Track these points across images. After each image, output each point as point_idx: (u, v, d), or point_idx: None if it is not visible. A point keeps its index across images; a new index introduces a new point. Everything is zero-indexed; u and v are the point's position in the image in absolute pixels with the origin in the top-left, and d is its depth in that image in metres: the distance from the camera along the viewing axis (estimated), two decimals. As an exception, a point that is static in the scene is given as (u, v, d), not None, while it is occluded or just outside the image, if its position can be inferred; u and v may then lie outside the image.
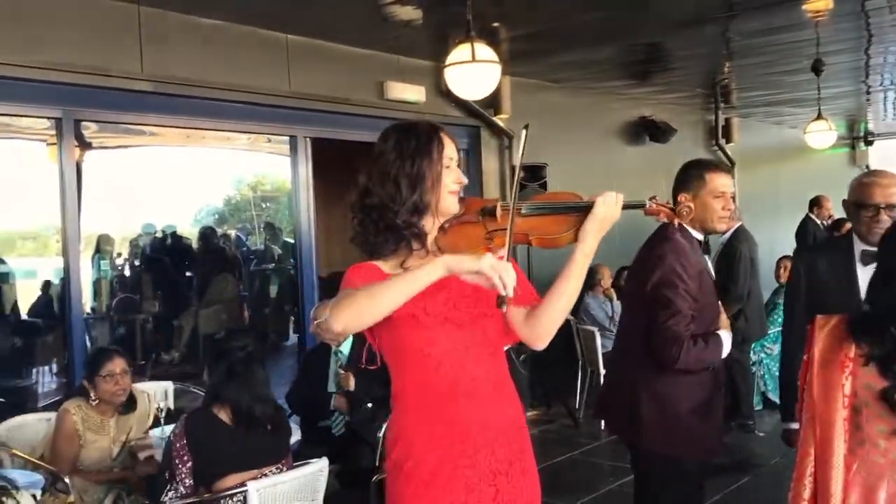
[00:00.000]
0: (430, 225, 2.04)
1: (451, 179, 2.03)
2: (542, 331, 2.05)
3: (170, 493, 3.09)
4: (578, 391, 7.16)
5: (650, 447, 2.97)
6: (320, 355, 4.64)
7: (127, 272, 8.98)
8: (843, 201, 3.12)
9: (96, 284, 8.37)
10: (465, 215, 2.07)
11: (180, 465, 3.12)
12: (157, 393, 4.47)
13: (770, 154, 12.07)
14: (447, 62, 4.60)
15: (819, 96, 7.85)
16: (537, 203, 2.08)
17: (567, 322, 7.33)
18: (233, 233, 10.56)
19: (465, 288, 1.96)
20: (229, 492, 3.09)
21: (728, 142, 10.59)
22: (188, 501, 3.06)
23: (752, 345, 6.55)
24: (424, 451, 1.99)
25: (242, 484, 3.09)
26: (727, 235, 6.58)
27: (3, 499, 2.12)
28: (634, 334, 3.01)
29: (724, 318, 3.06)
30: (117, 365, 3.90)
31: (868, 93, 10.18)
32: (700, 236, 3.07)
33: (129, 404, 4.00)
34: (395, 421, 2.06)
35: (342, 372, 4.39)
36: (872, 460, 2.05)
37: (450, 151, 2.05)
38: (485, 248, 1.98)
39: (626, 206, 2.03)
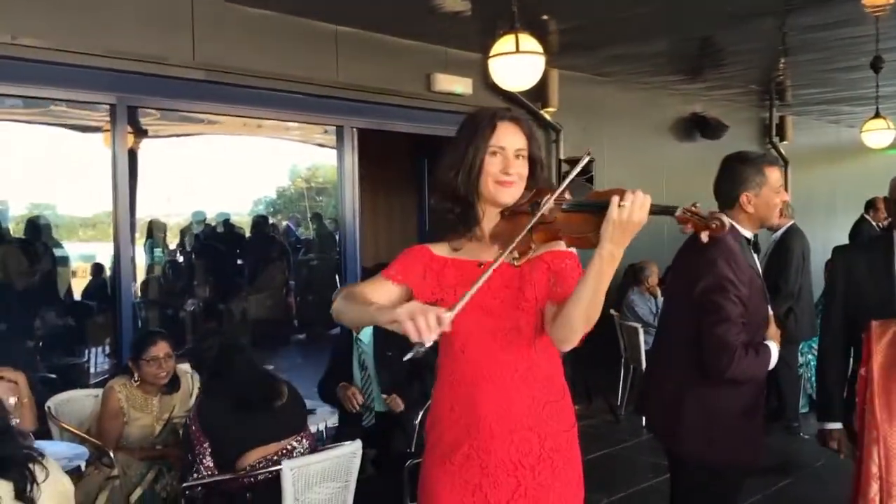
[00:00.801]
0: (482, 212, 2.04)
1: (495, 168, 2.00)
2: (560, 334, 1.93)
3: (194, 475, 3.19)
4: (621, 387, 7.11)
5: (692, 453, 2.90)
6: (345, 344, 4.65)
7: (179, 258, 9.17)
8: (884, 199, 3.06)
9: (148, 269, 8.58)
10: (522, 205, 2.02)
11: (198, 447, 3.23)
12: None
13: (826, 154, 11.80)
14: (491, 53, 4.61)
15: (877, 94, 7.64)
16: (580, 199, 1.94)
17: (610, 317, 7.31)
18: (283, 223, 10.71)
19: (509, 279, 1.99)
20: (262, 470, 3.16)
21: (782, 140, 10.39)
22: (219, 478, 3.13)
23: (801, 345, 6.42)
24: (446, 428, 2.05)
25: (276, 462, 3.16)
26: (779, 233, 6.50)
27: (31, 465, 2.24)
28: (680, 338, 2.91)
29: (773, 329, 2.94)
30: (161, 349, 3.99)
31: (934, 91, 9.87)
32: (750, 234, 2.98)
33: (173, 384, 4.09)
34: (433, 395, 2.13)
35: (386, 396, 4.39)
36: None
37: (502, 139, 2.01)
38: (527, 240, 1.93)
39: (653, 211, 1.80)
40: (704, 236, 1.78)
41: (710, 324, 2.75)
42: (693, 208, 1.77)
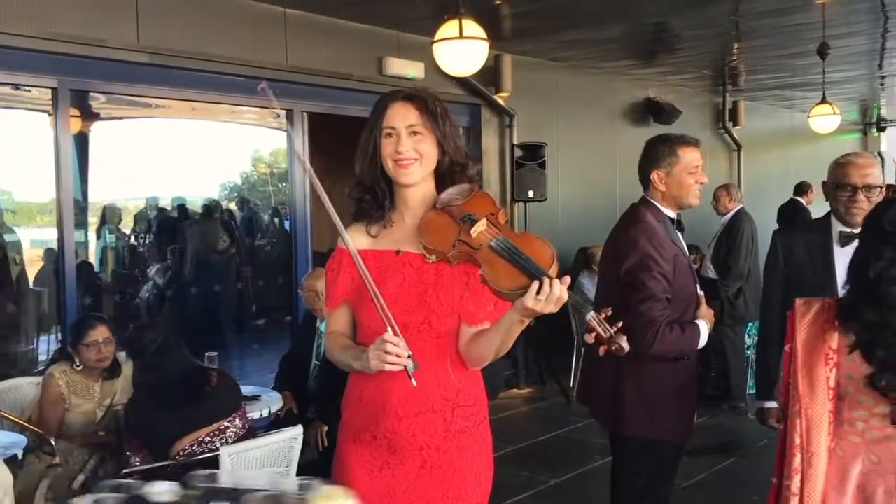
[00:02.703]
0: (399, 196, 2.06)
1: (390, 149, 2.02)
2: (470, 360, 2.05)
3: (129, 468, 3.22)
4: (573, 370, 7.19)
5: (632, 433, 2.98)
6: (310, 327, 4.68)
7: (133, 242, 9.07)
8: (823, 183, 3.13)
9: (101, 254, 8.47)
10: (455, 208, 2.00)
11: (129, 447, 3.29)
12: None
13: (779, 138, 11.98)
14: (435, 38, 4.61)
15: (824, 80, 7.78)
16: (512, 244, 1.90)
17: (563, 301, 7.36)
18: (234, 207, 10.60)
19: (424, 274, 2.02)
20: (201, 456, 3.16)
21: (735, 125, 10.52)
22: (160, 464, 3.13)
23: (748, 327, 6.55)
24: (356, 410, 2.10)
25: (210, 443, 3.18)
26: (728, 216, 6.64)
27: None
28: None
29: (704, 309, 3.00)
30: (100, 333, 3.96)
31: (882, 78, 10.04)
32: (673, 214, 3.04)
33: (114, 369, 4.07)
34: (348, 377, 2.18)
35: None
36: (849, 440, 2.11)
37: (393, 119, 2.02)
38: (447, 252, 1.95)
39: (568, 305, 1.86)
40: (601, 350, 1.87)
41: (635, 301, 2.81)
42: (602, 319, 1.85)
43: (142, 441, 3.25)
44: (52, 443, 3.83)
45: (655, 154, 3.00)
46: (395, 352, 1.86)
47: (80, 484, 3.85)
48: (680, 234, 3.07)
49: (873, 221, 2.14)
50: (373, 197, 2.06)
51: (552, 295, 1.79)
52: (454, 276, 2.01)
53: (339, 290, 2.10)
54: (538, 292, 1.79)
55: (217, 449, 3.10)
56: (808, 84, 9.74)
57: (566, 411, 6.69)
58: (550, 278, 1.80)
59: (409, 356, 1.87)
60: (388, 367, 1.87)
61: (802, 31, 7.11)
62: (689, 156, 2.98)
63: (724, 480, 5.04)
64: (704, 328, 2.95)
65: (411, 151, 2.01)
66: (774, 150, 11.80)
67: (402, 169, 2.02)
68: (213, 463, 3.08)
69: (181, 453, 3.16)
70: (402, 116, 2.02)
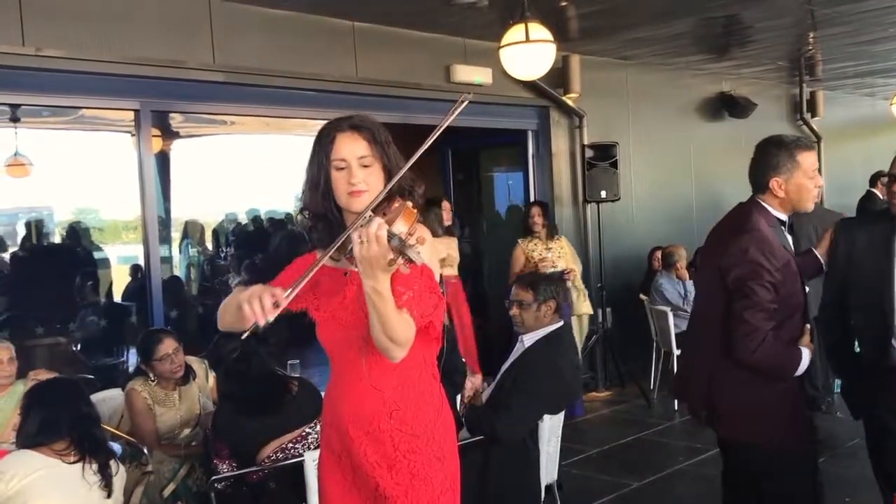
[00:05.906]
0: (347, 220, 2.05)
1: (342, 182, 2.01)
2: (378, 349, 1.97)
3: (218, 476, 3.34)
4: (652, 371, 7.09)
5: (729, 434, 2.95)
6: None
7: (213, 256, 9.33)
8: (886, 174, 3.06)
9: (185, 268, 8.74)
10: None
11: (216, 456, 3.40)
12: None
13: (860, 128, 11.57)
14: (502, 43, 4.62)
15: (907, 65, 7.50)
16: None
17: (640, 302, 7.28)
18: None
19: (361, 290, 1.99)
20: (285, 462, 3.24)
21: (813, 116, 10.22)
22: (245, 471, 3.22)
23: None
24: (326, 427, 2.20)
25: (292, 449, 3.25)
26: None
27: (110, 462, 2.90)
28: (713, 321, 2.91)
29: (807, 339, 2.89)
30: (169, 346, 4.11)
31: (974, 59, 9.60)
32: (785, 217, 2.93)
33: (187, 375, 4.23)
34: None
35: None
36: None
37: (342, 152, 2.01)
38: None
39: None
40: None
41: (741, 308, 2.77)
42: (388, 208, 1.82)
43: (229, 449, 3.35)
44: (146, 451, 3.98)
45: (774, 160, 2.87)
46: (267, 306, 1.82)
47: (170, 492, 3.99)
48: (790, 238, 2.97)
49: None
50: (325, 224, 2.08)
51: (369, 231, 1.76)
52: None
53: (286, 280, 2.05)
54: (360, 236, 1.78)
55: (301, 455, 3.16)
56: (890, 70, 9.40)
57: (647, 413, 6.60)
58: (357, 228, 1.80)
59: (266, 322, 1.83)
60: (245, 312, 1.84)
61: (882, 15, 6.87)
62: (808, 160, 2.87)
63: (814, 482, 4.88)
64: (807, 357, 2.86)
65: (362, 184, 2.01)
66: (857, 141, 11.40)
67: (356, 199, 2.01)
68: (298, 468, 3.15)
69: (266, 460, 3.24)
70: (352, 149, 2.02)
